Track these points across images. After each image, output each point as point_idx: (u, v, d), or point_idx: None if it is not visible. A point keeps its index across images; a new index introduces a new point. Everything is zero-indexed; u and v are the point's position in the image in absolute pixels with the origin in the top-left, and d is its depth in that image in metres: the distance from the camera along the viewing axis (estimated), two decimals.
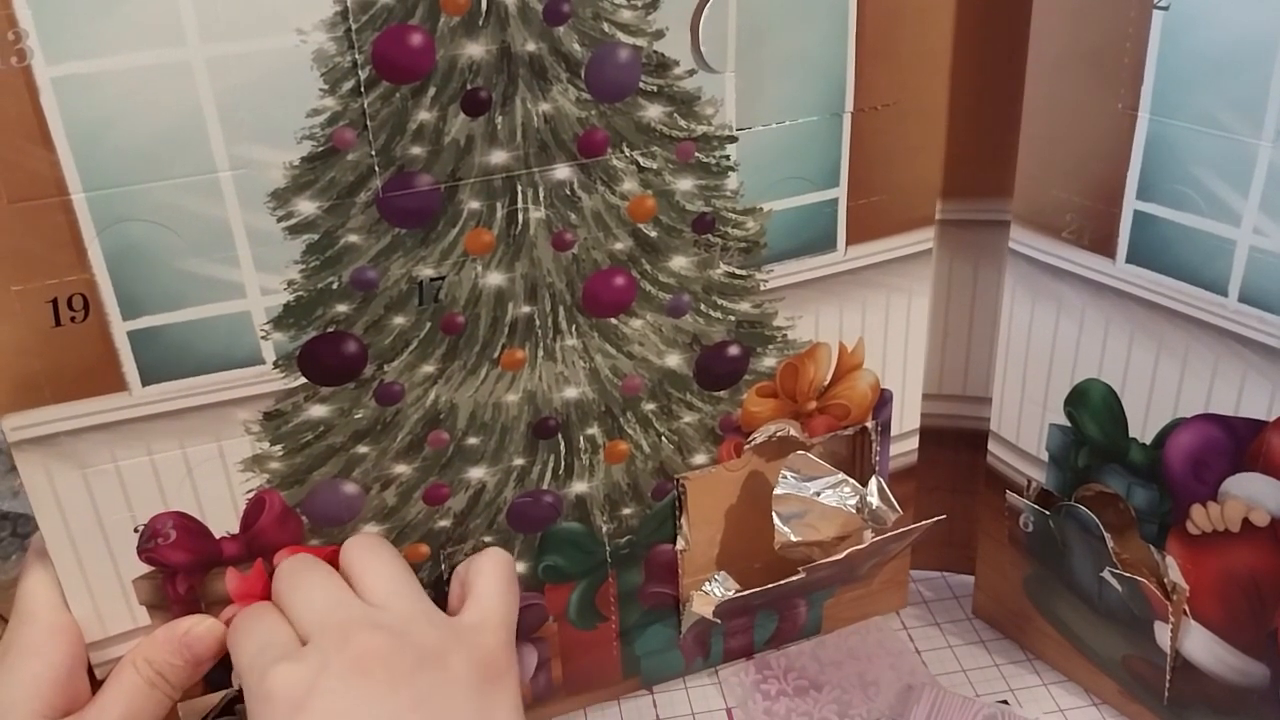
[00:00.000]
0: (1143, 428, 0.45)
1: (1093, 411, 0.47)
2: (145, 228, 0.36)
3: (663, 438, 0.47)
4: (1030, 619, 0.54)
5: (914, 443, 0.53)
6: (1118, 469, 0.47)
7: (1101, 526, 0.47)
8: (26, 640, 0.39)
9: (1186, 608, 0.46)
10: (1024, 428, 0.50)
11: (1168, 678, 0.47)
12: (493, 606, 0.41)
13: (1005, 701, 0.52)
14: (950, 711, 0.51)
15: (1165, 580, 0.46)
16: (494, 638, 0.40)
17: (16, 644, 0.39)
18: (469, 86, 0.37)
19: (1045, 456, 0.50)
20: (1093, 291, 0.45)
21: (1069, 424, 0.48)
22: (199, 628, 0.41)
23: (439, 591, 0.46)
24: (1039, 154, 0.45)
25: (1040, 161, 0.45)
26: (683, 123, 0.41)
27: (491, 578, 0.42)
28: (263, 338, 0.39)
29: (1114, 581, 0.48)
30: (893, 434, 0.52)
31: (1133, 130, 0.41)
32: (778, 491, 0.48)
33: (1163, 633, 0.47)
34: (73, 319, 0.36)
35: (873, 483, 0.49)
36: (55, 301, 0.36)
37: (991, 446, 0.52)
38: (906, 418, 0.52)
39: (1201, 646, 0.46)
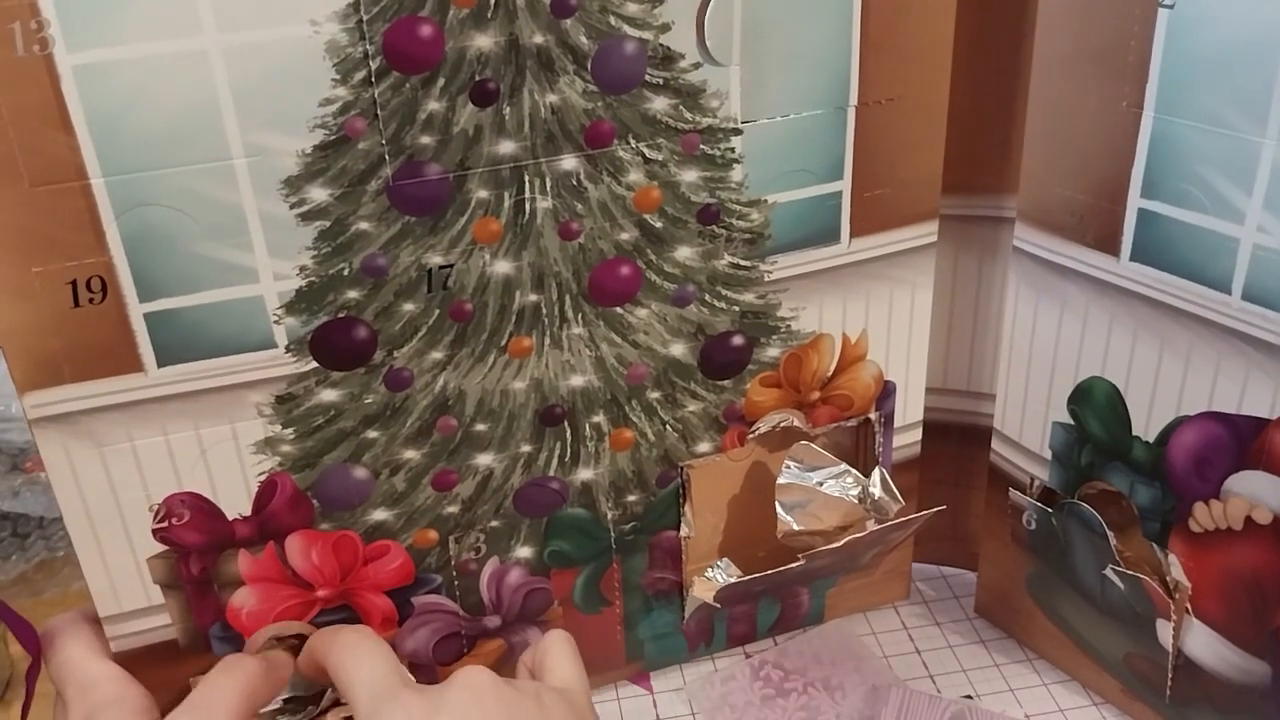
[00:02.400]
0: (1146, 425, 0.45)
1: (1096, 409, 0.47)
2: (162, 212, 0.37)
3: (667, 426, 0.48)
4: (1033, 617, 0.54)
5: (917, 435, 0.53)
6: (1121, 467, 0.47)
7: (1104, 524, 0.47)
8: (108, 699, 0.39)
9: (1189, 606, 0.45)
10: (1027, 425, 0.50)
11: (1170, 676, 0.47)
12: (573, 674, 0.41)
13: (970, 696, 0.52)
14: (918, 710, 0.50)
15: (1168, 578, 0.46)
16: (583, 698, 0.40)
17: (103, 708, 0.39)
18: (477, 77, 0.38)
19: (1048, 454, 0.50)
20: (1096, 289, 0.45)
21: (1072, 422, 0.48)
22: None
23: (447, 575, 0.47)
24: (1043, 151, 0.45)
25: (1044, 159, 0.45)
26: (688, 115, 0.42)
27: (561, 656, 0.42)
28: (275, 322, 0.40)
29: (1116, 579, 0.48)
30: (896, 426, 0.52)
31: (1137, 128, 0.42)
32: (781, 481, 0.49)
33: (1165, 631, 0.47)
34: (91, 300, 0.37)
35: (875, 473, 0.49)
36: (74, 283, 0.37)
37: (995, 444, 0.52)
38: (910, 410, 0.52)
39: (1204, 645, 0.46)
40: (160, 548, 0.41)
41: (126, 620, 0.42)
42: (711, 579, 0.50)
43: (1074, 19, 0.43)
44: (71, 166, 0.35)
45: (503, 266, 0.42)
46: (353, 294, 0.40)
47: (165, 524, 0.41)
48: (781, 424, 0.49)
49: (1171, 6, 0.39)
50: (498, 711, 0.37)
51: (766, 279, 0.46)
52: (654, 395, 0.47)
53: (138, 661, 0.43)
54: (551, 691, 0.39)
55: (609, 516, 0.48)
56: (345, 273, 0.40)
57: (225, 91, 0.36)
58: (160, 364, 0.39)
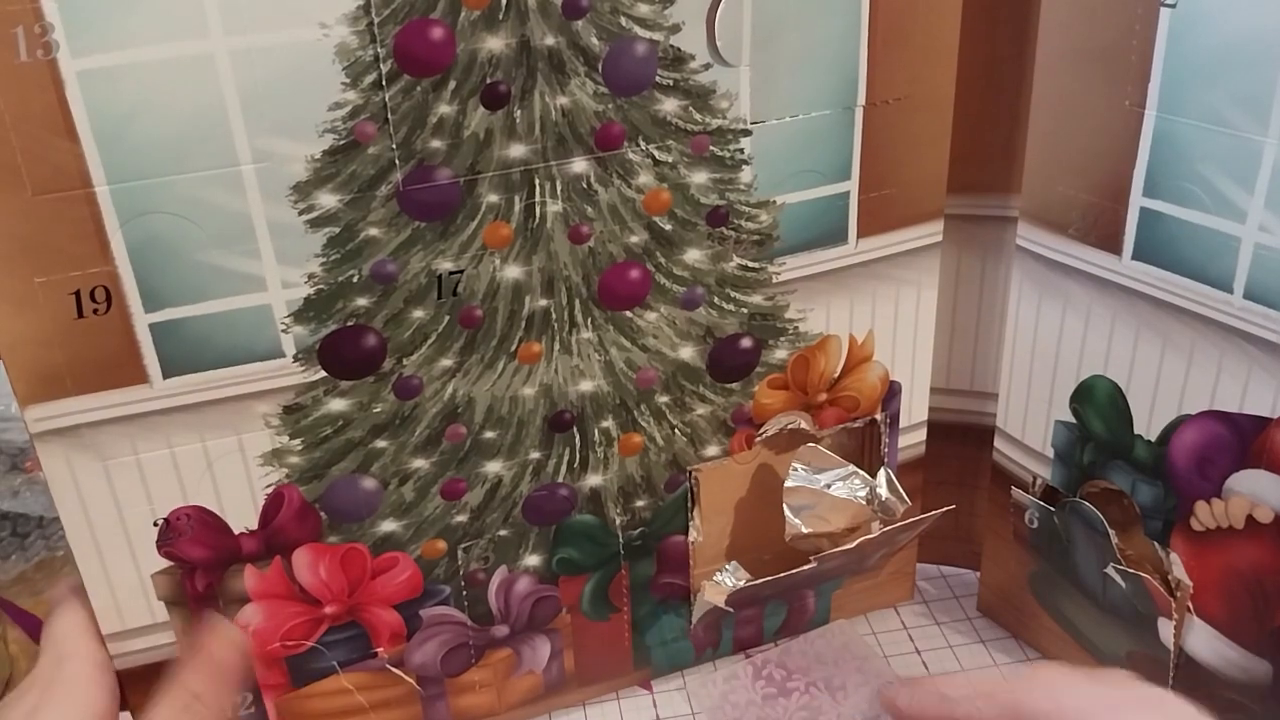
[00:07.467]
0: (1148, 424, 0.45)
1: (1098, 408, 0.47)
2: (168, 220, 0.36)
3: (676, 430, 0.47)
4: (1035, 615, 0.54)
5: (922, 435, 0.54)
6: (1122, 466, 0.47)
7: (1106, 523, 0.48)
8: (70, 675, 0.39)
9: (1190, 604, 0.46)
10: (1030, 424, 0.50)
11: (1171, 674, 0.47)
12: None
13: None
14: None
15: (1169, 577, 0.46)
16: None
17: (59, 680, 0.39)
18: (488, 80, 0.38)
19: (1051, 453, 0.50)
20: (1098, 288, 0.45)
21: (1074, 420, 0.48)
22: (217, 644, 0.41)
23: (456, 586, 0.46)
24: (1046, 150, 0.45)
25: (1047, 158, 0.45)
26: (698, 116, 0.41)
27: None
28: (283, 331, 0.39)
29: (1118, 578, 0.48)
30: (901, 426, 0.52)
31: (1139, 127, 0.42)
32: (788, 484, 0.49)
33: (1166, 629, 0.47)
34: (95, 311, 0.36)
35: (881, 474, 0.49)
36: (78, 293, 0.36)
37: (997, 443, 0.52)
38: (915, 410, 0.52)
39: (1205, 643, 0.46)
40: (165, 563, 0.41)
41: (130, 638, 0.41)
42: (721, 583, 0.50)
43: (1076, 19, 0.43)
44: (75, 174, 0.34)
45: (513, 271, 0.41)
46: (362, 301, 0.39)
47: (170, 539, 0.40)
48: (788, 426, 0.49)
49: (1173, 6, 0.40)
50: None
51: (774, 280, 0.46)
52: (663, 399, 0.46)
53: (141, 680, 0.42)
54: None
55: (617, 522, 0.48)
56: (354, 280, 0.39)
57: (233, 96, 0.35)
58: (165, 375, 0.38)
